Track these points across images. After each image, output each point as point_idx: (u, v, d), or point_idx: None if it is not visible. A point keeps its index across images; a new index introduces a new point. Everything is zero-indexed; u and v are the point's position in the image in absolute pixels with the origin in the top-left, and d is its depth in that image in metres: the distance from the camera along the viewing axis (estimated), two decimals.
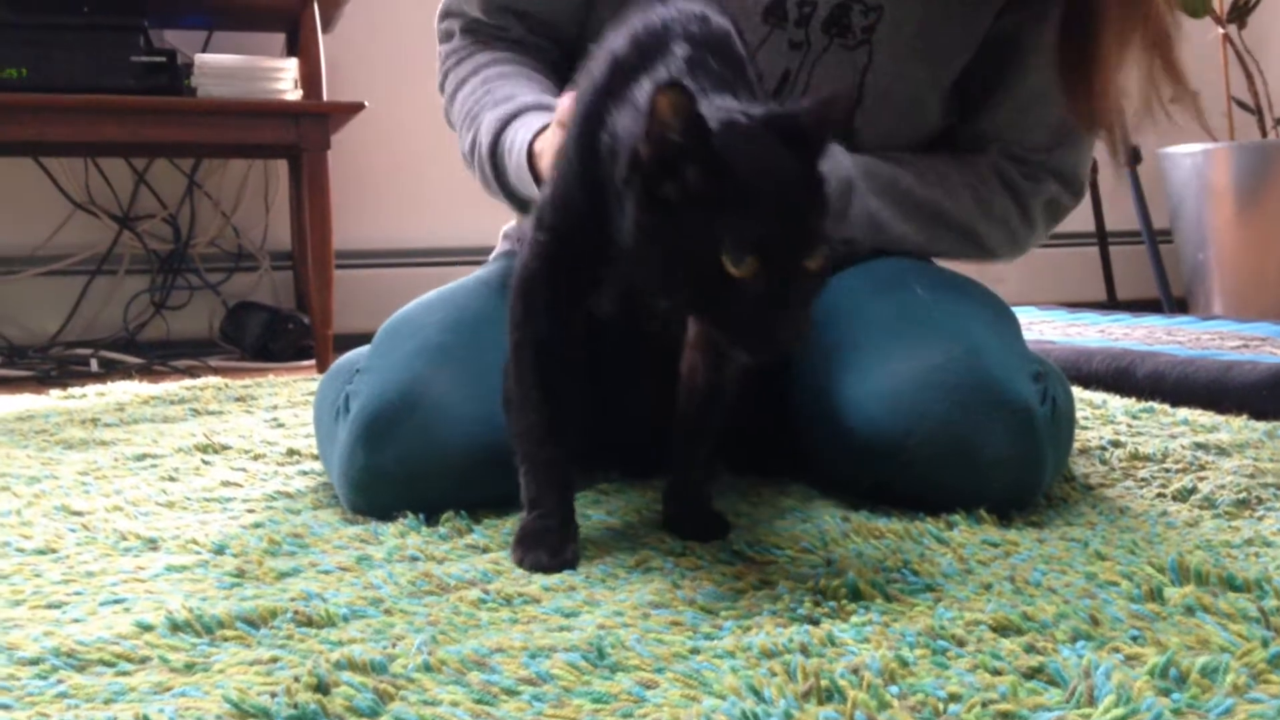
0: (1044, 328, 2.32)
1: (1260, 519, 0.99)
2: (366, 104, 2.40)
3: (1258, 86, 3.00)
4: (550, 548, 0.85)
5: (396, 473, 0.99)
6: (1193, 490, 1.07)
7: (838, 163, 1.09)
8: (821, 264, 0.74)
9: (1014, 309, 1.14)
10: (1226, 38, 2.98)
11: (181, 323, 2.78)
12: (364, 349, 1.09)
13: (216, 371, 2.32)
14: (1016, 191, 1.20)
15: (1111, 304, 2.95)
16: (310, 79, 2.43)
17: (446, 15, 1.27)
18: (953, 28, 1.14)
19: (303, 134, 2.36)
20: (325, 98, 2.45)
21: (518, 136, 1.08)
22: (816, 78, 1.11)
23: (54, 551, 0.93)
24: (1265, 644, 0.67)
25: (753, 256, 0.71)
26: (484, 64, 1.20)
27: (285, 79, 2.39)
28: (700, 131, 0.72)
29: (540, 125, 1.06)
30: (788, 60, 1.11)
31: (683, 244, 0.73)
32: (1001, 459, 0.96)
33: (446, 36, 1.27)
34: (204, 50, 2.65)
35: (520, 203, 1.13)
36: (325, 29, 2.52)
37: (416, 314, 1.08)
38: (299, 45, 2.48)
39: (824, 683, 0.62)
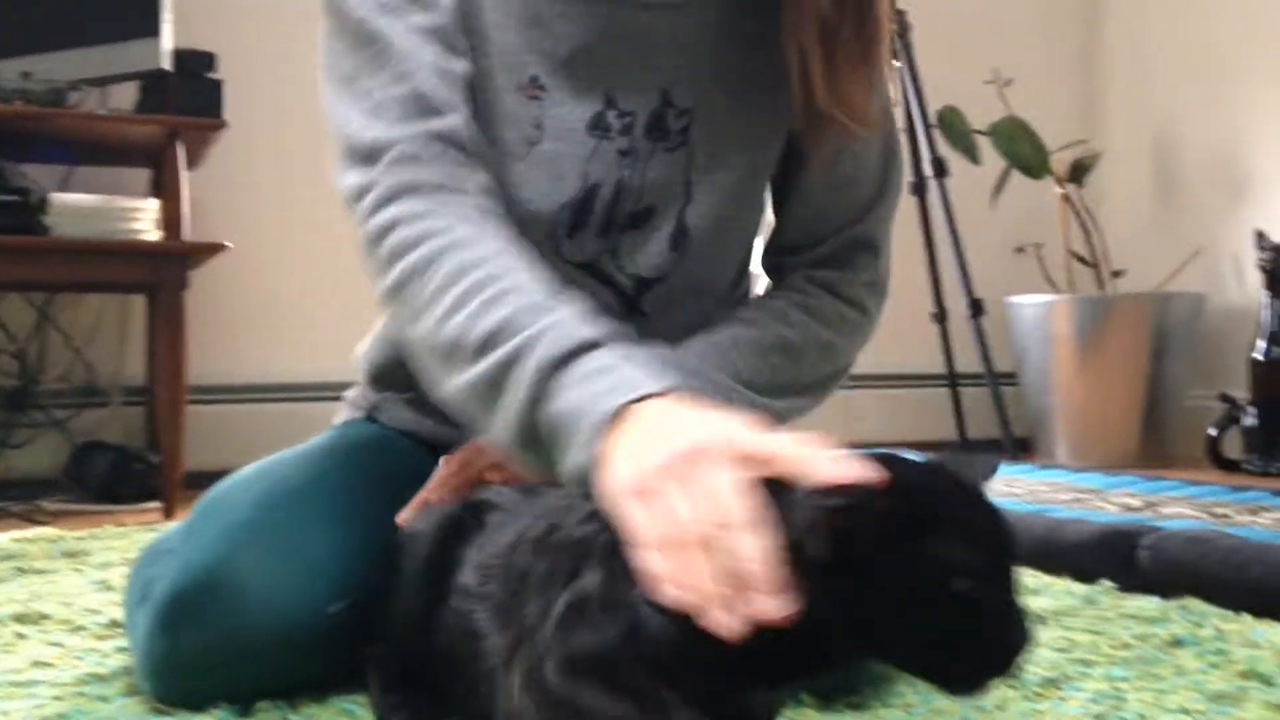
0: None
1: (1064, 700, 1.02)
2: (229, 245, 2.39)
3: (1094, 241, 3.18)
4: None
5: (197, 660, 0.95)
6: None
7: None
8: None
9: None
10: (1066, 197, 3.17)
11: (25, 461, 2.68)
12: (177, 526, 1.06)
13: (55, 516, 2.23)
14: (841, 297, 1.16)
15: (963, 443, 3.06)
16: (171, 218, 2.41)
17: (364, 157, 0.95)
18: (761, 116, 1.15)
19: (160, 273, 2.34)
20: (188, 236, 2.43)
21: (597, 403, 0.78)
22: (649, 180, 1.12)
23: None
24: None
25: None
26: (461, 250, 0.91)
27: (144, 219, 2.37)
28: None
29: (632, 396, 0.77)
30: (619, 168, 1.11)
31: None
32: None
33: (361, 192, 0.95)
34: (65, 184, 2.61)
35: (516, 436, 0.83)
36: (191, 165, 2.51)
37: (231, 490, 1.05)
38: (164, 182, 2.47)
39: None
